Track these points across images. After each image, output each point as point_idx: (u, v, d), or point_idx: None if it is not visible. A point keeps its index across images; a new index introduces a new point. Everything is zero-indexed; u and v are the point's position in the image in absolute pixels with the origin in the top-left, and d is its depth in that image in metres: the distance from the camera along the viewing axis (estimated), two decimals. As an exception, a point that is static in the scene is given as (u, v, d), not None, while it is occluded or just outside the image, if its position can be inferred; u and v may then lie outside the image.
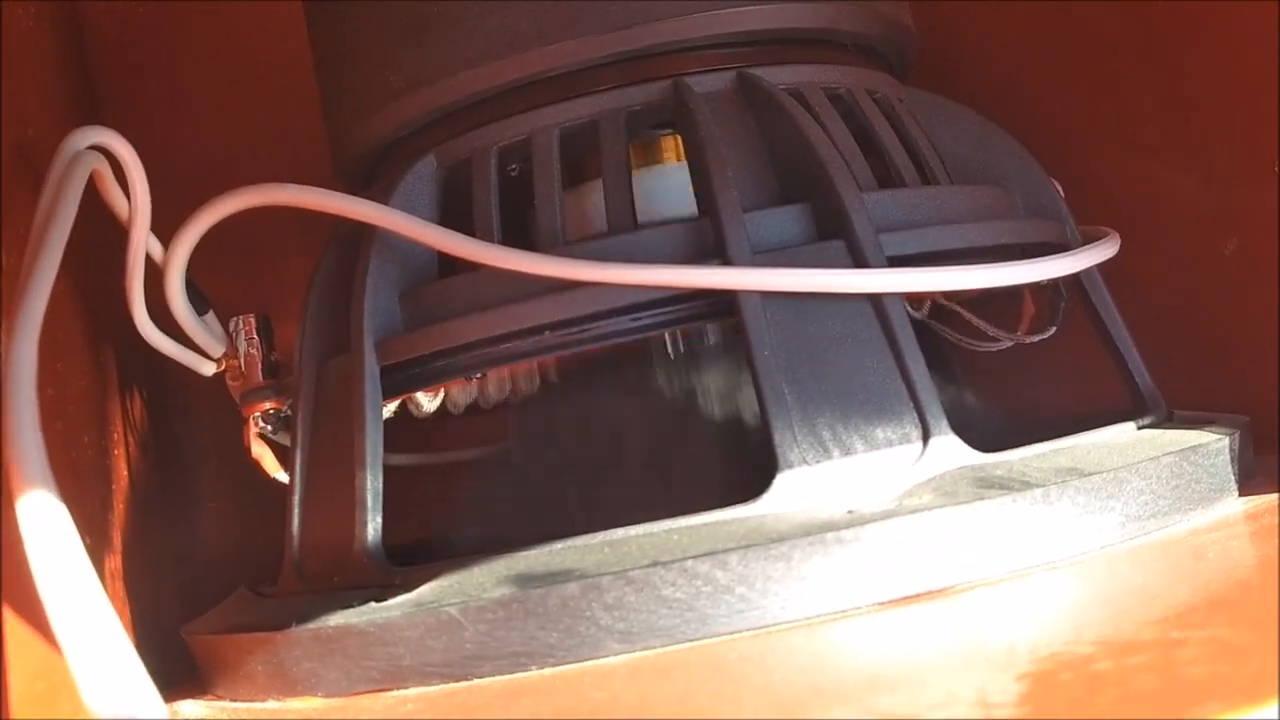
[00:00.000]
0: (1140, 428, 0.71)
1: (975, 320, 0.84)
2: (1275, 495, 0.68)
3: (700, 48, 0.72)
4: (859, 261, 0.64)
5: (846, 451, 0.62)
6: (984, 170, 0.78)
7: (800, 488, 0.61)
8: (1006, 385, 0.94)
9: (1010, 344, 0.85)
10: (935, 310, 0.83)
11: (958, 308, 0.83)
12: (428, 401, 0.77)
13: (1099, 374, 0.77)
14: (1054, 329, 0.81)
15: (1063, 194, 0.86)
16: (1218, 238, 0.88)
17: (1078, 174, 0.89)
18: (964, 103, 0.83)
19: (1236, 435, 0.68)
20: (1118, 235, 0.76)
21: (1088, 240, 0.76)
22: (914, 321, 0.79)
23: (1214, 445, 0.66)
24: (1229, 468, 0.67)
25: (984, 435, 0.69)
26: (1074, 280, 0.76)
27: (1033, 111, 0.98)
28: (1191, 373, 0.88)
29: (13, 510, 0.48)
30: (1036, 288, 0.81)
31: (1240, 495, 0.68)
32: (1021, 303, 0.85)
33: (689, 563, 0.56)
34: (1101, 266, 0.76)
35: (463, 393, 0.78)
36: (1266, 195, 0.83)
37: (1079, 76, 0.96)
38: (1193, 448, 0.65)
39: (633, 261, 0.65)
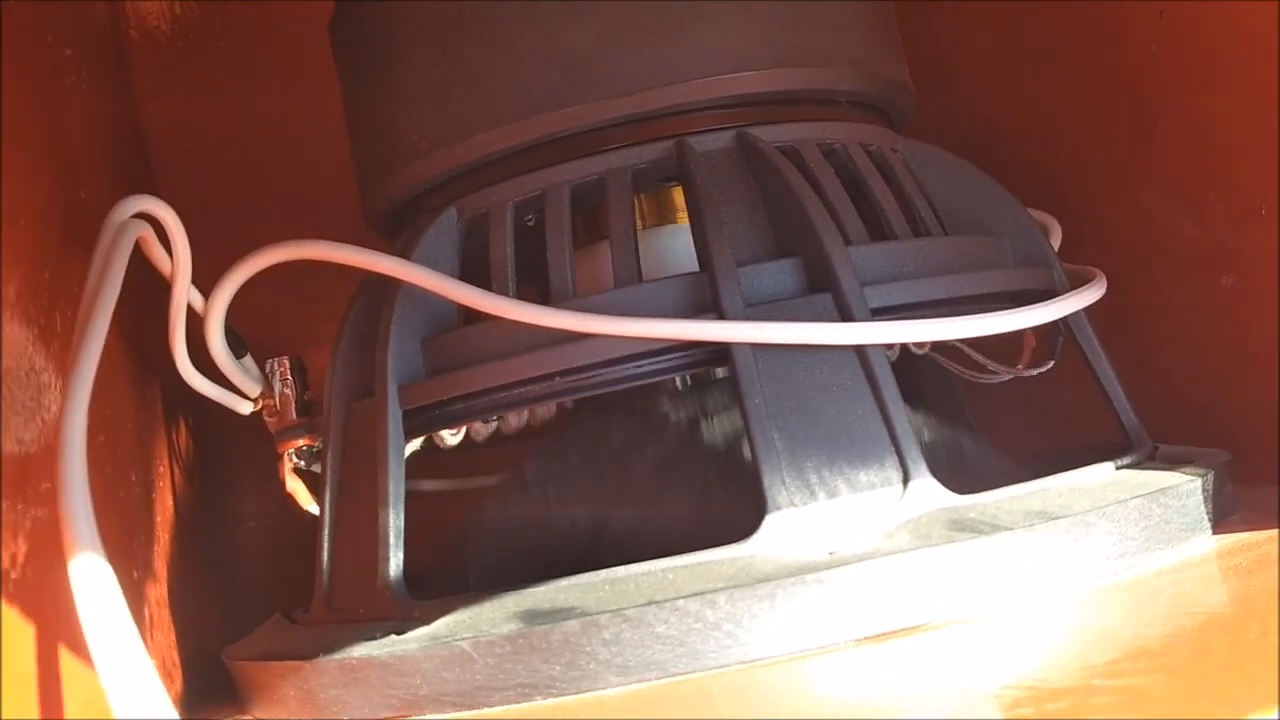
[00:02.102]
0: (1119, 467, 0.74)
1: (975, 355, 0.88)
2: (1248, 534, 0.71)
3: (702, 109, 0.76)
4: (844, 314, 0.68)
5: (831, 494, 0.66)
6: (976, 219, 0.82)
7: (787, 528, 0.65)
8: (1014, 418, 0.98)
9: (1010, 377, 0.89)
10: (939, 346, 0.87)
11: (960, 344, 0.87)
12: (451, 437, 0.81)
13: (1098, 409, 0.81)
14: (1051, 363, 0.84)
15: (1060, 232, 0.90)
16: (1216, 273, 0.91)
17: (1078, 211, 0.93)
18: (967, 140, 0.87)
19: (1210, 475, 0.71)
20: (1104, 278, 0.80)
21: (1075, 282, 0.79)
22: (919, 357, 0.83)
23: (1185, 487, 0.69)
24: (1201, 508, 0.70)
25: (978, 471, 0.73)
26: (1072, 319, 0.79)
27: (1035, 151, 1.02)
28: (1189, 406, 0.91)
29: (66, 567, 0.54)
30: (1040, 325, 0.84)
31: (1216, 533, 0.71)
32: (1023, 337, 0.89)
33: (681, 602, 0.61)
34: (1098, 303, 0.79)
35: (484, 427, 0.83)
36: (1263, 233, 0.86)
37: (1081, 116, 0.99)
38: (1163, 490, 0.68)
39: (634, 314, 0.69)
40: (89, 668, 0.58)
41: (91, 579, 0.53)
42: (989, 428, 0.95)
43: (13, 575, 0.54)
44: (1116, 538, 0.66)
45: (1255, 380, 0.88)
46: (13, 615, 0.54)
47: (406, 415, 0.73)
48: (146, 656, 0.51)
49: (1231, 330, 0.90)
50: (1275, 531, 0.70)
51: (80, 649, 0.58)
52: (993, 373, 0.88)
